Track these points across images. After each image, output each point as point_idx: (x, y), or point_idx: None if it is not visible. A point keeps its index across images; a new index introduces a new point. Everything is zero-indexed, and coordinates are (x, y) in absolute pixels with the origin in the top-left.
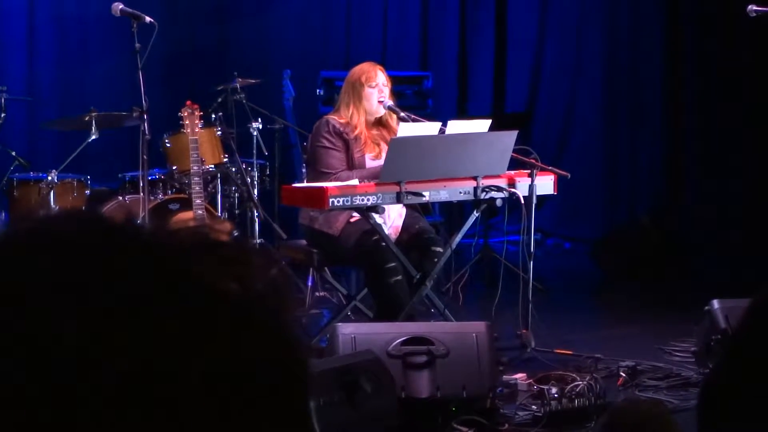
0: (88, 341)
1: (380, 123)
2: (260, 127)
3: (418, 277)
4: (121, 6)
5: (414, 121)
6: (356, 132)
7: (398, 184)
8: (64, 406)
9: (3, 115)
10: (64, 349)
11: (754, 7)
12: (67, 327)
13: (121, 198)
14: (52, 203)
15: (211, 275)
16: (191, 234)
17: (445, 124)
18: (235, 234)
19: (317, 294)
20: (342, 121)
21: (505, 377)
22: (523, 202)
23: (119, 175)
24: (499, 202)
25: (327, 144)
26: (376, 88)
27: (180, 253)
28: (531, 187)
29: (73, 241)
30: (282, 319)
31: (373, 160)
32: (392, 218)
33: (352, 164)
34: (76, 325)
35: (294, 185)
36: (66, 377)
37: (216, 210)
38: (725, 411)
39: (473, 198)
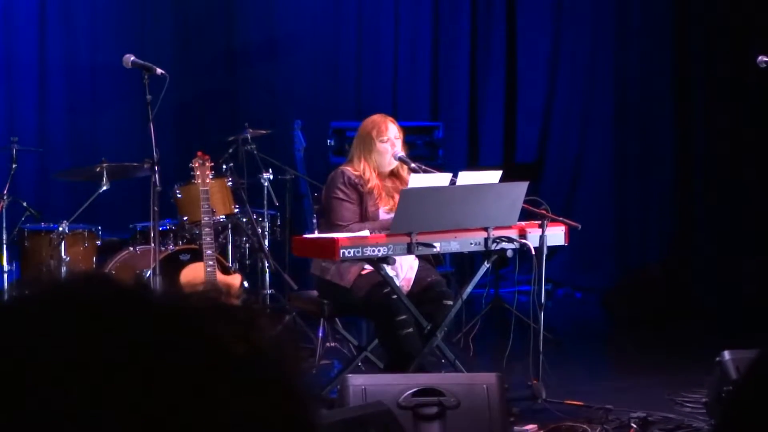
0: (87, 400)
1: (393, 174)
2: (271, 177)
3: (428, 328)
4: (132, 58)
5: (425, 171)
6: (370, 185)
7: (409, 235)
8: None
9: (14, 165)
10: (65, 405)
11: (764, 58)
12: (67, 383)
13: (131, 249)
14: (63, 254)
15: (218, 336)
16: (199, 297)
17: (455, 175)
18: (245, 285)
19: (328, 344)
20: (356, 173)
21: (516, 428)
22: (533, 253)
23: (130, 226)
24: (509, 253)
25: (341, 196)
26: (388, 142)
27: (187, 316)
28: (542, 238)
29: (83, 305)
30: (288, 376)
31: (387, 213)
32: (404, 270)
33: (366, 217)
34: (77, 383)
35: (305, 236)
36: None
37: (227, 260)
38: None
39: (484, 249)
